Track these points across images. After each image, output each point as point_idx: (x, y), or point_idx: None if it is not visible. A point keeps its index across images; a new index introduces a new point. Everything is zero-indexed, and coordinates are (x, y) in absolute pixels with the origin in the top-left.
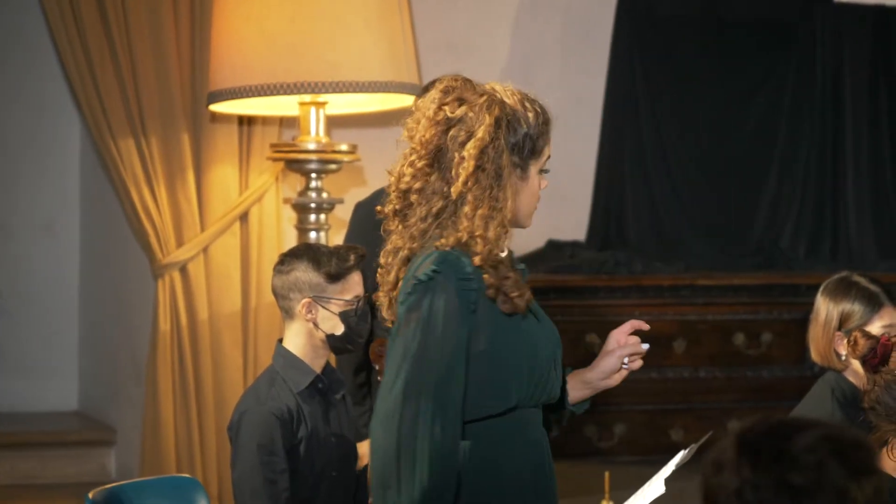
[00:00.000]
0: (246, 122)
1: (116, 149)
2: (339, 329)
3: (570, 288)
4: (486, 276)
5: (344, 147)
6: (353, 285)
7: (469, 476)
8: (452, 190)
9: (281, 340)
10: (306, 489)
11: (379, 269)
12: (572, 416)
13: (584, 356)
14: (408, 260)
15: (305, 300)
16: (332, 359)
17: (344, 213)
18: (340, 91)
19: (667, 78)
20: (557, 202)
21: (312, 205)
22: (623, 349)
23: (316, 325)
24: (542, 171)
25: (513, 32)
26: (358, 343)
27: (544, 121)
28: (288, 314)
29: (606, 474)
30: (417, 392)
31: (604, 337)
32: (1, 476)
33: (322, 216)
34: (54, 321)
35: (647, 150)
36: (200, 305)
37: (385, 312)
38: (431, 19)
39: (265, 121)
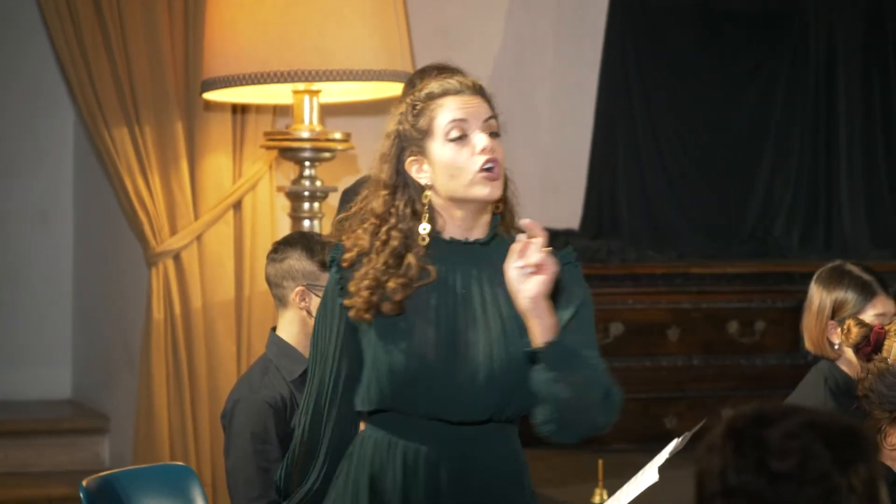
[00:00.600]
0: (239, 110)
1: (110, 137)
2: None
3: None
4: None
5: (338, 135)
6: None
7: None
8: None
9: (274, 329)
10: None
11: None
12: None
13: None
14: None
15: (299, 288)
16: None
17: (337, 201)
18: (334, 79)
19: (660, 67)
20: (551, 191)
21: (306, 193)
22: (509, 260)
23: (309, 313)
24: (452, 141)
25: (506, 21)
26: None
27: (423, 98)
28: (281, 302)
29: (600, 462)
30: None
31: (598, 326)
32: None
33: (316, 204)
34: (48, 309)
35: (640, 140)
36: (194, 294)
37: None
38: (425, 8)
39: (259, 109)
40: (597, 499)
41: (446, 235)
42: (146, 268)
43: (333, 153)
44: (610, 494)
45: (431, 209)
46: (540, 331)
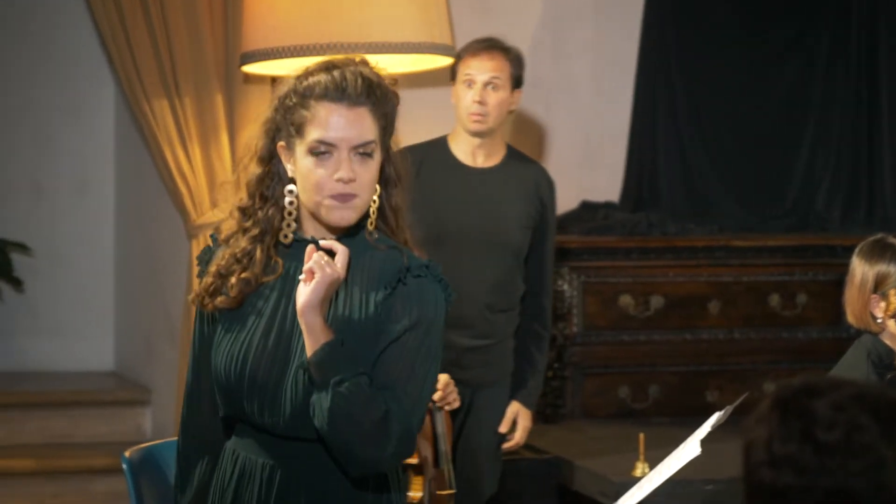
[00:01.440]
0: (277, 82)
1: (150, 109)
2: None
3: (603, 249)
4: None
5: None
6: None
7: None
8: None
9: None
10: None
11: None
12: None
13: (618, 318)
14: None
15: None
16: None
17: None
18: (372, 52)
19: (700, 39)
20: (591, 164)
21: None
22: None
23: None
24: (315, 154)
25: None
26: None
27: (303, 94)
28: None
29: (641, 436)
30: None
31: (637, 298)
32: (36, 435)
33: None
34: (89, 281)
35: (680, 112)
36: None
37: None
38: None
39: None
40: (638, 472)
41: (307, 234)
42: (187, 240)
43: None
44: (651, 468)
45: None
46: (308, 343)
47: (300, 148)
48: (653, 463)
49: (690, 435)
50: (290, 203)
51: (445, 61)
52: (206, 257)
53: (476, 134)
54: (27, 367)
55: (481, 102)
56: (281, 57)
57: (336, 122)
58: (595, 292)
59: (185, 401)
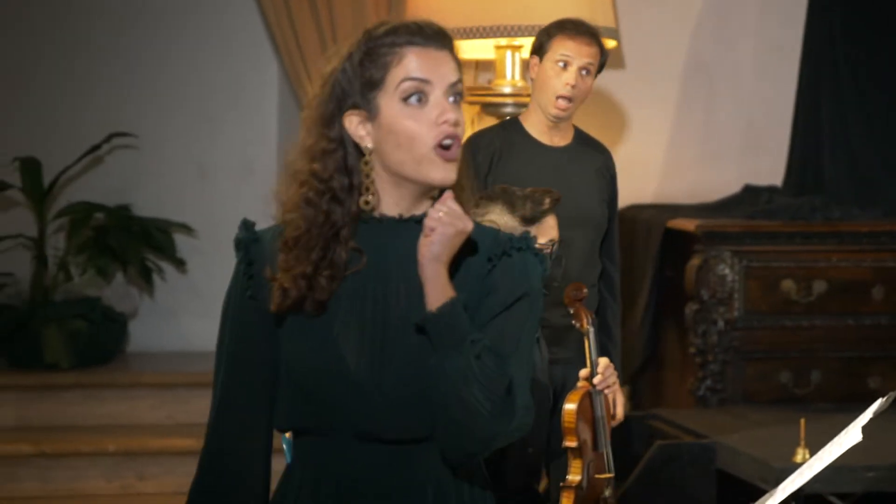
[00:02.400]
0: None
1: (314, 89)
2: None
3: (766, 233)
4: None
5: None
6: (548, 229)
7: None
8: None
9: None
10: None
11: None
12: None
13: (780, 302)
14: None
15: None
16: None
17: None
18: (536, 34)
19: (866, 22)
20: (754, 147)
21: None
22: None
23: None
24: (408, 100)
25: None
26: (552, 287)
27: (375, 43)
28: None
29: (802, 421)
30: (214, 383)
31: (799, 283)
32: (199, 415)
33: None
34: None
35: (845, 96)
36: None
37: None
38: None
39: (461, 64)
40: (799, 458)
41: (377, 212)
42: None
43: None
44: (812, 454)
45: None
46: (432, 297)
47: (384, 100)
48: (814, 449)
49: (852, 421)
50: (367, 176)
51: (609, 44)
52: (252, 247)
53: (557, 119)
54: (190, 347)
55: (574, 86)
56: None
57: (427, 61)
58: (757, 277)
59: (221, 413)
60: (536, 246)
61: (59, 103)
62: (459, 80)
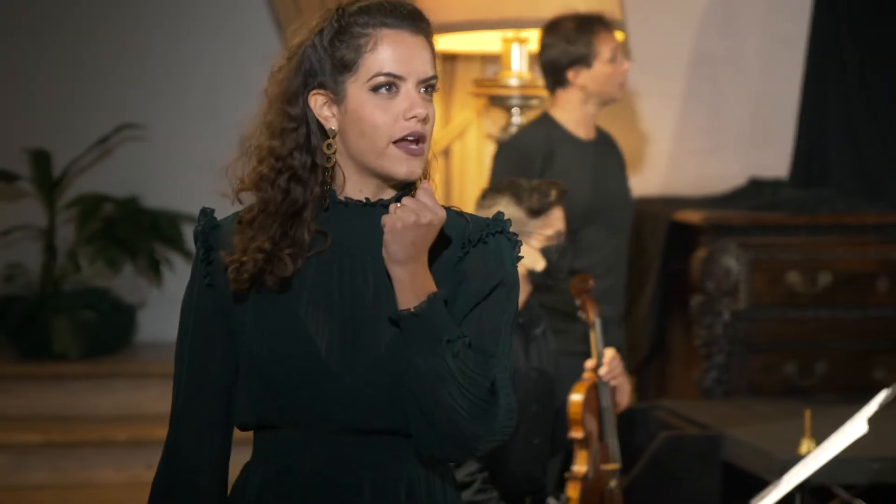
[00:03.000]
0: (448, 57)
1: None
2: (541, 264)
3: (772, 226)
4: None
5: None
6: (555, 221)
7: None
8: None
9: None
10: None
11: None
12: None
13: (785, 295)
14: None
15: None
16: None
17: None
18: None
19: (873, 14)
20: (760, 139)
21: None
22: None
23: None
24: (378, 90)
25: None
26: (559, 278)
27: (351, 23)
28: None
29: (807, 413)
30: (174, 378)
31: (806, 276)
32: None
33: None
34: None
35: (851, 88)
36: None
37: None
38: None
39: (467, 57)
40: (804, 449)
41: (341, 195)
42: None
43: (542, 100)
44: (817, 445)
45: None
46: (406, 294)
47: (354, 87)
48: (819, 440)
49: (857, 412)
50: (329, 160)
51: (617, 36)
52: (211, 234)
53: (612, 102)
54: None
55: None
56: (453, 31)
57: (402, 52)
58: (763, 269)
59: (183, 406)
60: (544, 237)
61: (68, 95)
62: (434, 76)
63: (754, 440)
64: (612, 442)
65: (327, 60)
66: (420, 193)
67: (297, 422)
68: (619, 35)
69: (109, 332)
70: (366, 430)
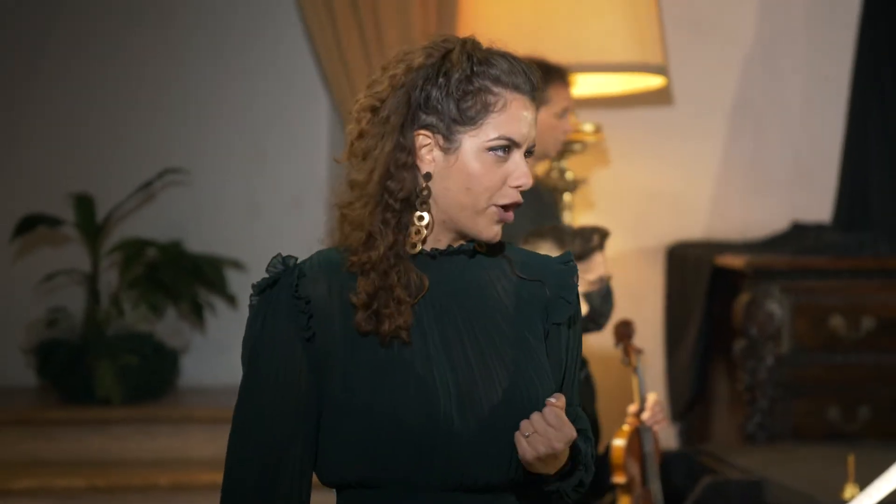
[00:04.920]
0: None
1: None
2: (583, 309)
3: (814, 270)
4: (360, 281)
5: (588, 127)
6: (597, 266)
7: None
8: (340, 157)
9: None
10: None
11: None
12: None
13: (827, 339)
14: None
15: None
16: None
17: (588, 193)
18: (586, 71)
19: None
20: (802, 183)
21: (557, 185)
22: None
23: None
24: (492, 151)
25: (758, 11)
26: (602, 323)
27: (487, 78)
28: None
29: (850, 458)
30: (233, 435)
31: (849, 320)
32: None
33: (567, 196)
34: None
35: (893, 131)
36: None
37: None
38: None
39: None
40: (847, 494)
41: (438, 244)
42: None
43: (584, 145)
44: (861, 490)
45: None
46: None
47: (470, 141)
48: (863, 485)
49: None
50: (424, 203)
51: (658, 81)
52: (301, 284)
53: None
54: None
55: None
56: None
57: (523, 119)
58: (805, 313)
59: (262, 474)
60: (586, 282)
61: (112, 139)
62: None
63: (797, 485)
64: (655, 487)
65: (450, 107)
66: (548, 414)
67: (404, 479)
68: (660, 80)
69: (152, 376)
70: (477, 486)
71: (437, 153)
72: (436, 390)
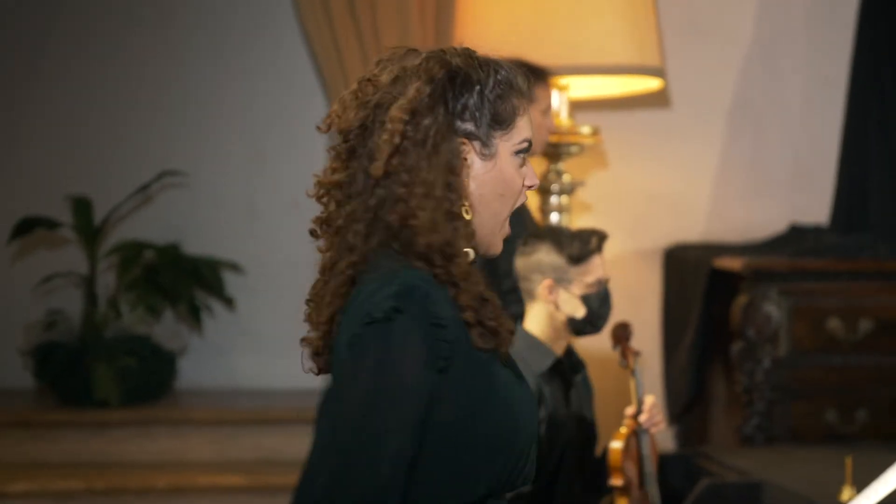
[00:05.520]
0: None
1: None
2: (581, 312)
3: (813, 272)
4: (461, 303)
5: (586, 130)
6: (595, 268)
7: None
8: (372, 170)
9: (522, 322)
10: (546, 470)
11: (309, 298)
12: None
13: (825, 341)
14: (351, 281)
15: (547, 282)
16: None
17: (585, 195)
18: (583, 73)
19: None
20: (801, 184)
21: (554, 187)
22: None
23: (557, 306)
24: (518, 155)
25: (757, 12)
26: (599, 326)
27: (507, 84)
28: (529, 296)
29: (848, 460)
30: (349, 480)
31: (847, 322)
32: (248, 452)
33: (564, 199)
34: (301, 299)
35: (892, 133)
36: None
37: (309, 358)
38: (675, 0)
39: None
40: (845, 496)
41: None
42: None
43: (582, 148)
44: (858, 492)
45: None
46: None
47: (505, 146)
48: (860, 487)
49: None
50: (468, 212)
51: (656, 83)
52: (447, 333)
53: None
54: (239, 384)
55: None
56: None
57: (531, 120)
58: (803, 315)
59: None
60: (584, 284)
61: (110, 142)
62: None
63: (795, 487)
64: (653, 489)
65: (486, 112)
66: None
67: (510, 488)
68: (658, 82)
69: (150, 378)
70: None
71: (474, 160)
72: (531, 394)
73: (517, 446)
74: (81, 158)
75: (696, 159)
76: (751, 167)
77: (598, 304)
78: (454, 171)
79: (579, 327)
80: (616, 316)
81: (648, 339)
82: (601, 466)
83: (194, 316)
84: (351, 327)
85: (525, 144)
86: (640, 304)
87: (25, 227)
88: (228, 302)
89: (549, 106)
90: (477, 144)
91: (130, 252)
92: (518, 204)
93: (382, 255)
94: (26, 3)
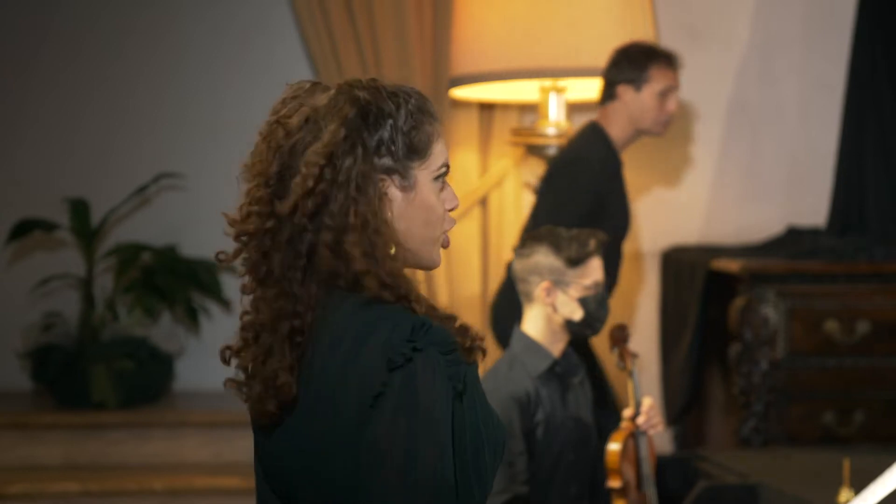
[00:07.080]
0: (486, 106)
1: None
2: (578, 314)
3: (810, 274)
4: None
5: None
6: (593, 270)
7: None
8: (279, 207)
9: (520, 324)
10: (544, 472)
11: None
12: None
13: (822, 343)
14: (301, 331)
15: (545, 284)
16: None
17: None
18: (581, 76)
19: None
20: (798, 187)
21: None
22: None
23: (555, 308)
24: (438, 180)
25: (754, 15)
26: (597, 328)
27: (420, 111)
28: (527, 298)
29: (846, 462)
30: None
31: (844, 324)
32: (242, 454)
33: None
34: None
35: (889, 135)
36: (440, 289)
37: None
38: (672, 3)
39: (504, 106)
40: (842, 498)
41: None
42: None
43: None
44: (856, 494)
45: None
46: None
47: (423, 174)
48: (858, 489)
49: None
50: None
51: None
52: (458, 357)
53: (648, 135)
54: None
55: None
56: (489, 81)
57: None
58: (801, 318)
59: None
60: (582, 287)
61: (107, 144)
62: None
63: (793, 489)
64: (651, 491)
65: (401, 144)
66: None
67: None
68: None
69: (147, 380)
70: None
71: (395, 194)
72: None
73: (501, 455)
74: (78, 160)
75: (694, 162)
76: (748, 169)
77: (596, 306)
78: (380, 208)
79: (577, 330)
80: (613, 318)
81: (646, 341)
82: (599, 466)
83: (191, 318)
84: (364, 384)
85: (444, 170)
86: (637, 306)
87: (22, 230)
88: (225, 304)
89: (668, 87)
90: (396, 178)
91: (128, 254)
92: (450, 226)
93: (336, 295)
94: (22, 6)
